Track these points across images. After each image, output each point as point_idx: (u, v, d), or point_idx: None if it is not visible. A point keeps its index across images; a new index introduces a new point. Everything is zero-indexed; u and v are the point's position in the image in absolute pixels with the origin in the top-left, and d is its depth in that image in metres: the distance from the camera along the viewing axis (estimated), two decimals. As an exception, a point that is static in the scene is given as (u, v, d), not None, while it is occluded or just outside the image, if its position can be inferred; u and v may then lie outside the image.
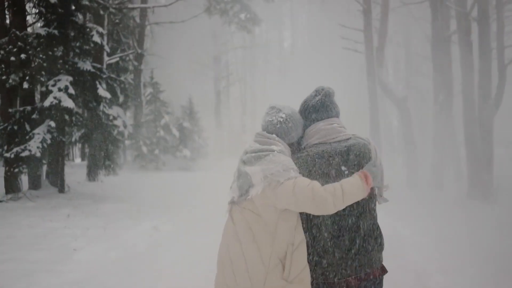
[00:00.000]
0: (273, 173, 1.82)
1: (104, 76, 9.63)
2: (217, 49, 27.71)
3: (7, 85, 8.76)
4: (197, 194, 10.74)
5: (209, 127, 22.85)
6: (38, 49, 8.50)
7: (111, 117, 10.09)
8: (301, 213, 1.96)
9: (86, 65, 9.30)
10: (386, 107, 23.47)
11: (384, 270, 2.00)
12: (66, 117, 8.93)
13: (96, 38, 9.23)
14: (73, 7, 9.22)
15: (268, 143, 1.97)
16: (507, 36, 12.71)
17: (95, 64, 9.80)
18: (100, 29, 9.47)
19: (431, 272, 4.63)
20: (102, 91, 9.36)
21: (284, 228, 1.87)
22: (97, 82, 9.38)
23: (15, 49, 8.29)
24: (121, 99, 13.70)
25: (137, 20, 18.87)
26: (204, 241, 5.36)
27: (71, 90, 8.70)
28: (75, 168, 15.96)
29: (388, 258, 4.88)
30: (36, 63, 8.48)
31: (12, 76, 8.60)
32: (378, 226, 2.02)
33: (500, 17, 12.15)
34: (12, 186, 8.89)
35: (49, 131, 8.70)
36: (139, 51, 18.54)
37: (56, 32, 8.81)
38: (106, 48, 10.39)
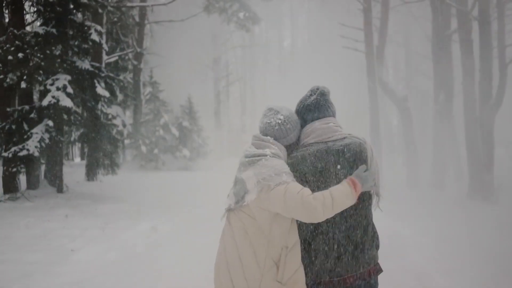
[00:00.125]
0: (264, 177, 1.84)
1: (103, 74, 9.58)
2: (216, 49, 27.67)
3: (5, 84, 8.70)
4: (196, 194, 10.70)
5: (208, 126, 22.82)
6: (36, 48, 8.44)
7: (110, 116, 10.04)
8: None
9: (85, 64, 9.24)
10: (386, 107, 23.43)
11: (379, 269, 2.02)
12: (65, 116, 8.88)
13: (95, 37, 9.17)
14: (72, 6, 9.16)
15: (263, 146, 1.98)
16: (508, 35, 12.69)
17: (93, 63, 9.75)
18: (99, 28, 9.41)
19: (431, 273, 4.60)
20: (101, 90, 9.31)
21: (278, 231, 1.88)
22: (95, 81, 9.33)
23: (12, 48, 8.23)
24: (120, 98, 13.65)
25: (137, 18, 18.81)
26: (204, 241, 5.31)
27: (70, 89, 8.65)
28: (74, 167, 15.91)
29: (388, 258, 4.86)
30: (34, 62, 8.42)
31: (10, 75, 8.54)
32: (374, 225, 2.03)
33: (501, 16, 12.12)
34: (10, 186, 8.83)
35: (47, 131, 8.65)
36: (139, 50, 18.49)
37: (54, 30, 8.76)
38: (105, 46, 10.32)
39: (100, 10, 9.93)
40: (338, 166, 1.92)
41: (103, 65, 11.88)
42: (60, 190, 9.45)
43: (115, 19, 15.11)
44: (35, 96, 11.45)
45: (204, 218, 7.28)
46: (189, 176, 15.63)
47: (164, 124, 19.22)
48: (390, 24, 16.00)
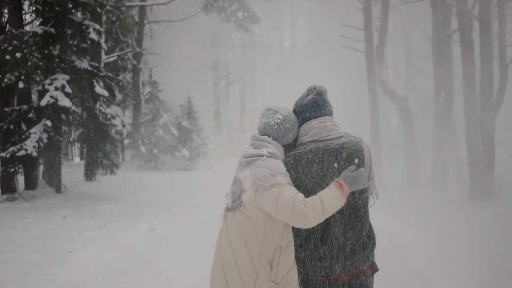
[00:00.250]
0: (260, 177, 1.86)
1: (102, 74, 9.54)
2: (216, 49, 27.64)
3: (3, 84, 8.66)
4: (196, 195, 10.67)
5: (208, 126, 22.79)
6: (34, 47, 8.40)
7: (108, 116, 10.01)
8: None
9: (83, 64, 9.21)
10: (386, 107, 23.40)
11: (376, 268, 2.04)
12: (63, 116, 8.84)
13: (93, 36, 9.13)
14: (70, 5, 9.12)
15: (260, 146, 2.00)
16: (508, 34, 12.65)
17: (92, 63, 9.71)
18: (97, 27, 9.37)
19: (431, 273, 4.58)
20: (99, 89, 9.28)
21: (272, 231, 1.90)
22: (94, 81, 9.30)
23: (10, 48, 8.19)
24: (120, 98, 13.61)
25: (136, 18, 18.79)
26: (203, 241, 5.25)
27: (68, 89, 8.62)
28: (73, 167, 15.87)
29: (388, 258, 4.82)
30: (32, 62, 8.38)
31: (8, 75, 8.50)
32: (371, 224, 2.05)
33: (501, 16, 12.08)
34: (8, 186, 8.80)
35: (45, 131, 8.61)
36: (138, 49, 18.46)
37: (53, 30, 8.72)
38: (104, 45, 10.29)
39: (99, 10, 9.89)
40: (335, 165, 1.94)
41: (102, 64, 11.84)
42: (58, 190, 9.42)
43: (114, 18, 15.07)
44: (35, 96, 11.41)
45: (204, 218, 7.25)
46: (189, 176, 15.60)
47: (163, 124, 19.18)
48: (390, 24, 15.97)
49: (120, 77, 13.93)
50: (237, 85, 35.01)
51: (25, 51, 8.35)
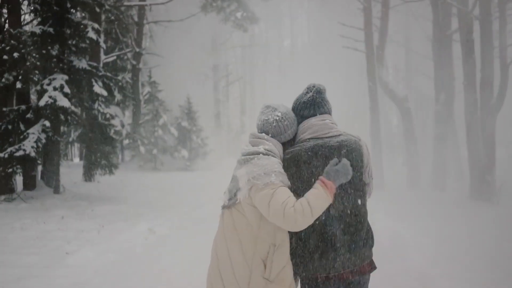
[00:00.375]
0: (254, 176, 1.87)
1: (100, 74, 9.50)
2: (216, 49, 27.61)
3: (1, 84, 8.62)
4: (195, 195, 10.64)
5: (208, 127, 22.75)
6: (32, 47, 8.36)
7: (107, 116, 9.96)
8: None
9: (82, 64, 9.17)
10: (386, 107, 23.39)
11: (374, 266, 2.06)
12: (61, 116, 8.79)
13: (92, 35, 9.08)
14: (69, 5, 9.08)
15: (258, 143, 2.01)
16: (509, 34, 12.58)
17: (91, 63, 9.67)
18: (96, 26, 9.32)
19: (432, 274, 4.56)
20: (98, 89, 9.23)
21: (266, 228, 1.91)
22: (93, 80, 9.26)
23: (8, 48, 8.14)
24: (119, 98, 13.55)
25: (135, 18, 18.76)
26: (203, 242, 5.20)
27: (67, 89, 8.57)
28: (72, 167, 15.82)
29: (389, 259, 4.79)
30: (30, 62, 8.34)
31: (6, 75, 8.46)
32: (368, 223, 2.07)
33: (502, 15, 12.04)
34: (6, 187, 8.75)
35: (44, 131, 8.57)
36: (137, 49, 18.42)
37: (51, 30, 8.68)
38: (102, 45, 10.24)
39: (97, 9, 9.84)
40: None
41: (101, 64, 11.80)
42: (57, 191, 9.37)
43: (113, 18, 15.03)
44: (34, 96, 11.36)
45: (203, 218, 7.22)
46: (188, 177, 15.58)
47: (163, 124, 19.14)
48: (390, 24, 15.93)
49: (120, 77, 13.89)
50: (237, 85, 35.00)
51: (23, 51, 8.31)
